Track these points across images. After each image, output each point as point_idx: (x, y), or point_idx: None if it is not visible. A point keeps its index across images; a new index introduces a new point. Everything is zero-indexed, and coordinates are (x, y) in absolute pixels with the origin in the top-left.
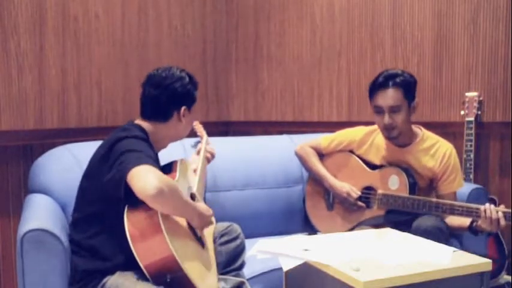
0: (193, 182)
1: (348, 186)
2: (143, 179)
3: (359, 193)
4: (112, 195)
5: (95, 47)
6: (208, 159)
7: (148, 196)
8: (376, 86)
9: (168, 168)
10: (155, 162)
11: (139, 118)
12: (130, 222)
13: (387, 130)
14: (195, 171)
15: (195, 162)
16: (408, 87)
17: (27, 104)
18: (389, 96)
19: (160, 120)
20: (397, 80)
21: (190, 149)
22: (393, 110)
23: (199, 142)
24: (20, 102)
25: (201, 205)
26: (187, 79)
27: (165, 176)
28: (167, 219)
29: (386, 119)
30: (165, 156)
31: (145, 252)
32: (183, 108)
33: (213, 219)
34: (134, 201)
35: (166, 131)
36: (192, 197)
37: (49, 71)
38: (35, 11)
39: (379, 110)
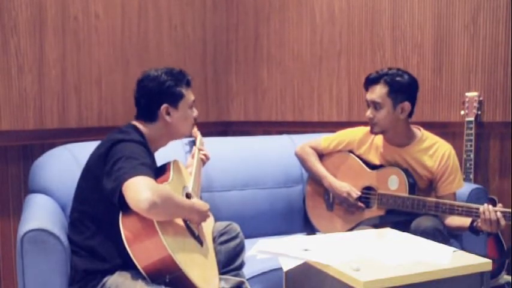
0: (188, 182)
1: (347, 186)
2: (136, 192)
3: (359, 193)
4: (108, 199)
5: (95, 47)
6: (203, 161)
7: (141, 210)
8: (368, 81)
9: (162, 170)
10: (150, 167)
11: (135, 120)
12: (126, 227)
13: (370, 124)
14: (190, 173)
15: (191, 166)
16: (396, 87)
17: (27, 104)
18: (374, 91)
19: (149, 120)
20: (387, 78)
21: (186, 147)
22: (375, 105)
23: (193, 142)
24: (20, 102)
25: (197, 201)
26: (163, 77)
27: (157, 186)
28: (163, 221)
29: (368, 112)
30: (164, 154)
31: (142, 255)
32: (163, 106)
33: (211, 215)
34: (129, 207)
35: (159, 131)
36: (188, 196)
37: (49, 71)
38: (35, 11)
39: (367, 104)
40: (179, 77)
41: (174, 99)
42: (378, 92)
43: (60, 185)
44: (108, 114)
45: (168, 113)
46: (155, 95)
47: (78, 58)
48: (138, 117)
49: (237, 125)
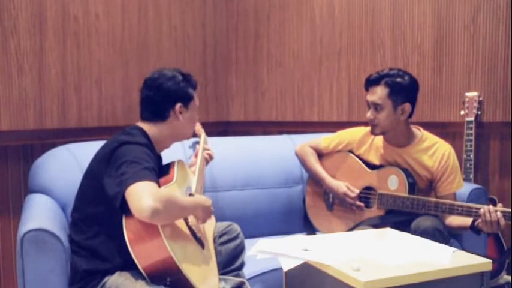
0: (192, 183)
1: (344, 187)
2: (139, 200)
3: (357, 191)
4: (110, 200)
5: (95, 47)
6: (207, 160)
7: (144, 218)
8: (368, 82)
9: (166, 170)
10: (154, 170)
11: (140, 121)
12: (129, 228)
13: (370, 126)
14: (194, 172)
15: (194, 165)
16: (397, 88)
17: (27, 104)
18: (374, 93)
19: (159, 120)
20: (387, 79)
21: (189, 150)
22: (376, 107)
23: (197, 143)
24: (20, 102)
25: (199, 197)
26: (179, 77)
27: (159, 192)
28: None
29: (369, 114)
30: (165, 155)
31: (144, 257)
32: (178, 105)
33: (213, 217)
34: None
35: (166, 131)
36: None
37: (49, 71)
38: (35, 11)
39: (367, 105)
40: (189, 80)
41: (187, 99)
42: (379, 93)
43: (60, 185)
44: (108, 114)
45: (180, 112)
46: (172, 93)
47: (78, 58)
48: (145, 117)
49: (237, 125)
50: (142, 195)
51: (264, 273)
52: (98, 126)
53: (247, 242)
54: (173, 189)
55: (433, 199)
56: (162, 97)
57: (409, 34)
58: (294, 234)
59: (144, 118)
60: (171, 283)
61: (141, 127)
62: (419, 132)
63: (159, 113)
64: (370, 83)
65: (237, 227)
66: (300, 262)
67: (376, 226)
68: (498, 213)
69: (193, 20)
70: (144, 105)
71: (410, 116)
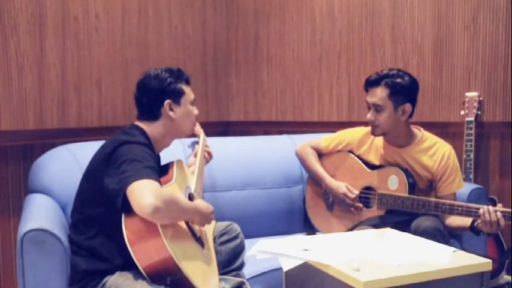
0: (191, 182)
1: (344, 187)
2: (140, 197)
3: (356, 192)
4: (109, 200)
5: (95, 47)
6: (206, 160)
7: (145, 215)
8: (368, 83)
9: (165, 170)
10: (155, 169)
11: (138, 120)
12: (128, 228)
13: (371, 127)
14: (193, 172)
15: (193, 165)
16: (397, 89)
17: (27, 104)
18: (375, 94)
19: (152, 119)
20: (387, 80)
21: (188, 149)
22: (376, 108)
23: (196, 143)
24: (20, 102)
25: (200, 203)
26: (164, 74)
27: (161, 190)
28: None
29: (369, 115)
30: (165, 155)
31: (144, 257)
32: (166, 102)
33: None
34: (131, 209)
35: (163, 129)
36: (190, 197)
37: (49, 71)
38: (35, 11)
39: (368, 106)
40: (179, 75)
41: (176, 95)
42: (379, 94)
43: (60, 185)
44: (108, 114)
45: (171, 109)
46: (158, 92)
47: (78, 58)
48: (140, 118)
49: (237, 125)
50: (144, 193)
51: (264, 273)
52: (98, 126)
53: (247, 242)
54: (173, 189)
55: (433, 199)
56: (150, 97)
57: (409, 34)
58: (294, 234)
59: (139, 119)
60: (171, 283)
61: (140, 126)
62: (420, 132)
63: (151, 113)
64: (370, 84)
65: (236, 227)
66: (300, 262)
67: (376, 226)
68: (498, 213)
69: (193, 20)
70: (137, 107)
71: (410, 116)
